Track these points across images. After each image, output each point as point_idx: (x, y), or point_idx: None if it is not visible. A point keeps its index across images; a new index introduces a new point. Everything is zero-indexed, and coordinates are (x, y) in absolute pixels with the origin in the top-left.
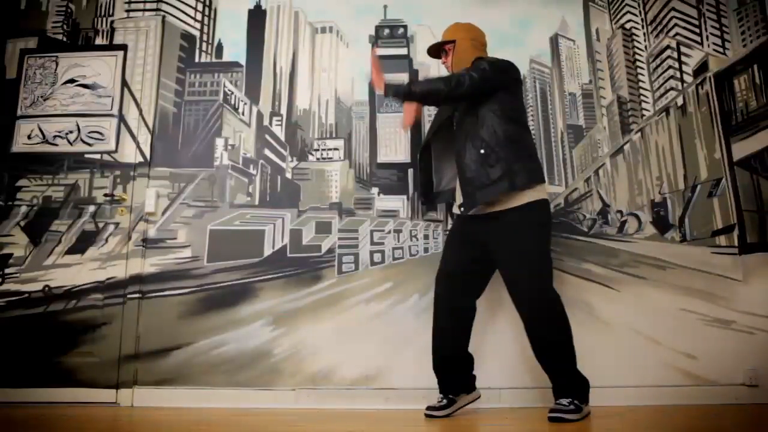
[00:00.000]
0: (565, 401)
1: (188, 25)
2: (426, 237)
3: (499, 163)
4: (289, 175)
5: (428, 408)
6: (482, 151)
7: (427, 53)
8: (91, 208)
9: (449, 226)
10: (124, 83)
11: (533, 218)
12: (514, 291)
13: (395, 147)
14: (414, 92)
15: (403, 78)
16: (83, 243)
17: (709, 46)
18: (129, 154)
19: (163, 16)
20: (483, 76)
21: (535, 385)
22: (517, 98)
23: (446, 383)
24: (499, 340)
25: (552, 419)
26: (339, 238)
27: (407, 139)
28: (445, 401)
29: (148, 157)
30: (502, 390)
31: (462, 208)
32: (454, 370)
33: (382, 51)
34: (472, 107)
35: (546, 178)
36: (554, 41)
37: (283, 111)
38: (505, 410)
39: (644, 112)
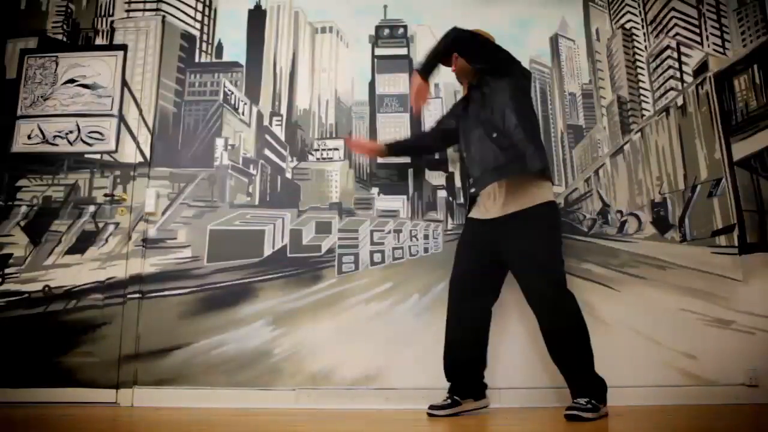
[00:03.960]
0: (582, 400)
1: (188, 25)
2: (426, 237)
3: (511, 148)
4: (289, 175)
5: (430, 407)
6: (494, 135)
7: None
8: (91, 208)
9: (449, 226)
10: (124, 83)
11: (543, 219)
12: (529, 292)
13: None
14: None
15: (402, 78)
16: (83, 243)
17: (709, 46)
18: (129, 154)
19: (163, 16)
20: (502, 52)
21: (536, 386)
22: (528, 98)
23: (454, 385)
24: (500, 341)
25: (569, 417)
26: (339, 238)
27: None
28: (449, 401)
29: (148, 157)
30: (503, 390)
31: (473, 189)
32: (461, 374)
33: (382, 51)
34: (486, 98)
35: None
36: (554, 41)
37: (283, 111)
38: (506, 410)
39: (644, 112)
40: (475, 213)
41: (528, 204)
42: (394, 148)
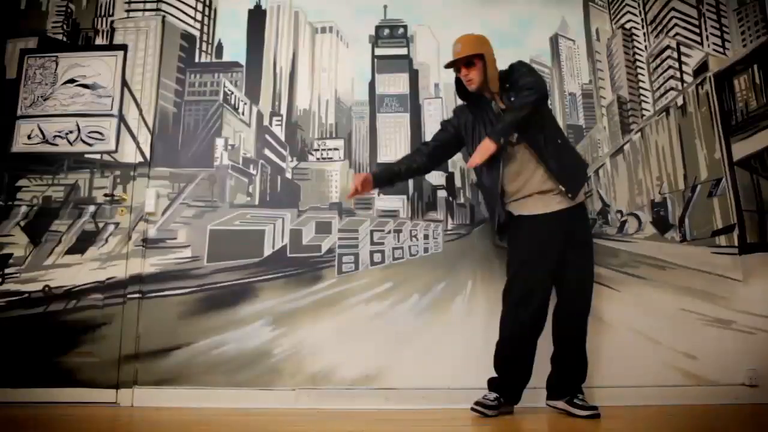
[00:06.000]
0: (582, 396)
1: (188, 25)
2: (426, 237)
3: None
4: (289, 175)
5: (478, 404)
6: (559, 141)
7: (446, 67)
8: (91, 208)
9: (449, 226)
10: (124, 83)
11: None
12: (579, 281)
13: (395, 147)
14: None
15: (402, 78)
16: (83, 243)
17: (709, 46)
18: (129, 154)
19: (163, 16)
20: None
21: (535, 385)
22: None
23: (504, 387)
24: None
25: (596, 415)
26: (339, 238)
27: (407, 139)
28: (496, 402)
29: (148, 157)
30: None
31: (570, 194)
32: (519, 381)
33: (382, 51)
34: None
35: None
36: (554, 41)
37: (283, 111)
38: None
39: (644, 112)
40: (539, 208)
41: (581, 199)
42: (377, 179)
